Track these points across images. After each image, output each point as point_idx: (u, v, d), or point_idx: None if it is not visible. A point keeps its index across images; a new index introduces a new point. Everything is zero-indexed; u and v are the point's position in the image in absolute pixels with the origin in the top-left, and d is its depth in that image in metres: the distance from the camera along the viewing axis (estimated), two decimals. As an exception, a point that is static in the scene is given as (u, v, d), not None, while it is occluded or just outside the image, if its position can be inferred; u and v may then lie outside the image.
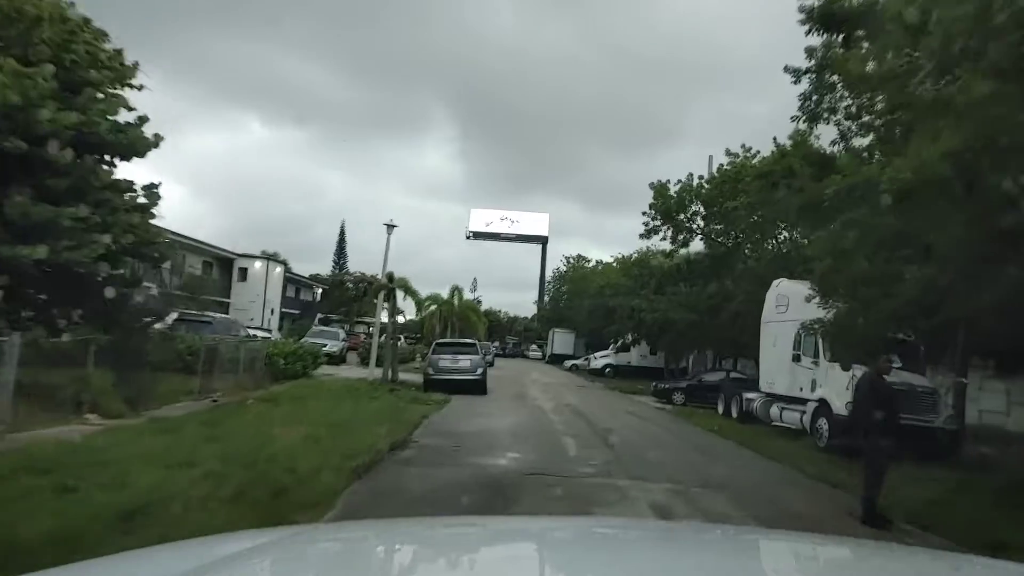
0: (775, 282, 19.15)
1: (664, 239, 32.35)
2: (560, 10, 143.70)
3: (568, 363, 60.05)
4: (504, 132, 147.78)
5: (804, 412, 16.44)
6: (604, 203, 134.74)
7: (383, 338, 24.55)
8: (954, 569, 2.04)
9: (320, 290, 66.35)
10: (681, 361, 45.69)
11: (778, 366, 18.19)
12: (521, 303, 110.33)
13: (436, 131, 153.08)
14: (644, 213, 32.22)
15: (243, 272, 45.12)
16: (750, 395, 19.89)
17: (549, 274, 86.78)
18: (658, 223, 32.10)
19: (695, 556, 2.03)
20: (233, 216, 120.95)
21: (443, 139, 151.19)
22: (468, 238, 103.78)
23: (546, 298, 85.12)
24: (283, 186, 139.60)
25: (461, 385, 22.63)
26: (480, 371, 23.36)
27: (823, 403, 15.72)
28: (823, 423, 15.54)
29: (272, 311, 47.24)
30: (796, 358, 16.92)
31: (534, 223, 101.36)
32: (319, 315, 60.96)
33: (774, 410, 18.08)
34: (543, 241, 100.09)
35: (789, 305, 18.12)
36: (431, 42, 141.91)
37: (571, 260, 78.66)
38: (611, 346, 49.64)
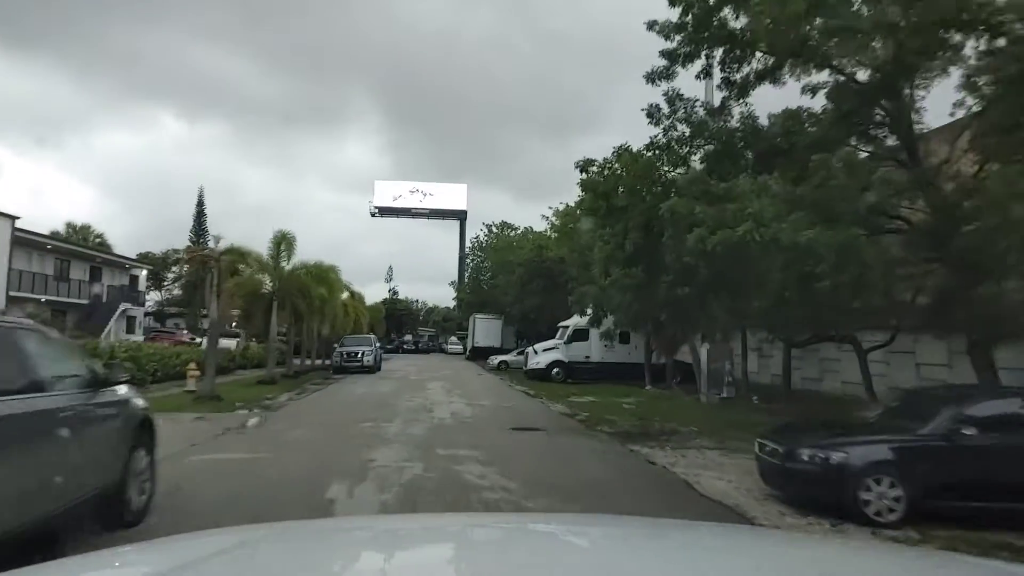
0: None
1: (705, 75, 13.08)
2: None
3: (495, 359, 40.60)
4: (432, 122, 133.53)
5: None
6: (534, 194, 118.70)
7: None
8: (939, 567, 1.88)
9: (144, 272, 44.66)
10: (675, 352, 26.97)
11: None
12: (449, 296, 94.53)
13: (361, 122, 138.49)
14: (653, 26, 12.87)
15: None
16: None
17: (469, 246, 66.67)
18: (687, 40, 12.79)
19: (683, 554, 1.82)
20: (147, 216, 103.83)
21: (369, 130, 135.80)
22: (373, 215, 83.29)
23: (467, 276, 65.01)
24: (201, 183, 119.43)
25: None
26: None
27: None
28: None
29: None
30: None
31: (450, 196, 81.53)
32: (124, 306, 39.44)
33: None
34: (461, 217, 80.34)
35: None
36: (353, 28, 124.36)
37: (493, 228, 59.26)
38: (559, 333, 30.51)
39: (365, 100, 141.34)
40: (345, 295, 33.80)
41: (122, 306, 37.97)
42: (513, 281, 38.07)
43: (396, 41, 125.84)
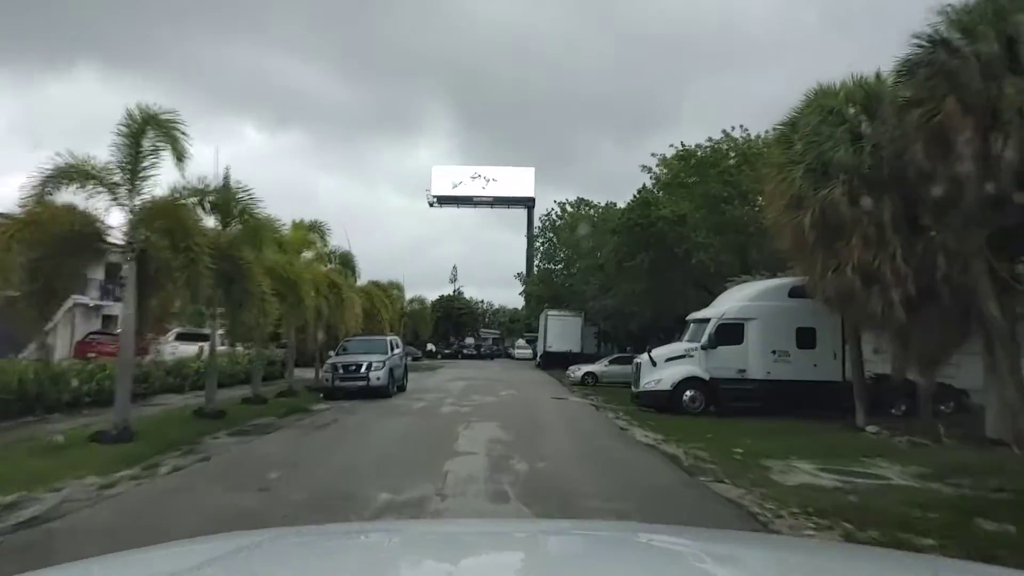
0: None
1: None
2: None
3: (578, 371, 28.13)
4: (505, 124, 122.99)
5: None
6: (608, 195, 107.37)
7: None
8: (938, 572, 1.81)
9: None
10: (940, 364, 14.02)
11: None
12: (517, 297, 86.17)
13: (434, 126, 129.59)
14: None
15: None
16: None
17: (538, 226, 54.19)
18: None
19: (679, 559, 1.78)
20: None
21: (441, 134, 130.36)
22: (431, 204, 72.08)
23: (536, 264, 52.57)
24: (280, 192, 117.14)
25: None
26: None
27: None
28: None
29: None
30: None
31: (516, 181, 69.56)
32: (75, 299, 28.90)
33: None
34: (529, 204, 68.08)
35: None
36: (425, 34, 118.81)
37: (567, 206, 46.75)
38: (688, 332, 17.96)
39: (436, 104, 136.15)
40: (361, 282, 22.12)
41: (72, 300, 27.46)
42: (607, 256, 25.57)
43: (467, 44, 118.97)
